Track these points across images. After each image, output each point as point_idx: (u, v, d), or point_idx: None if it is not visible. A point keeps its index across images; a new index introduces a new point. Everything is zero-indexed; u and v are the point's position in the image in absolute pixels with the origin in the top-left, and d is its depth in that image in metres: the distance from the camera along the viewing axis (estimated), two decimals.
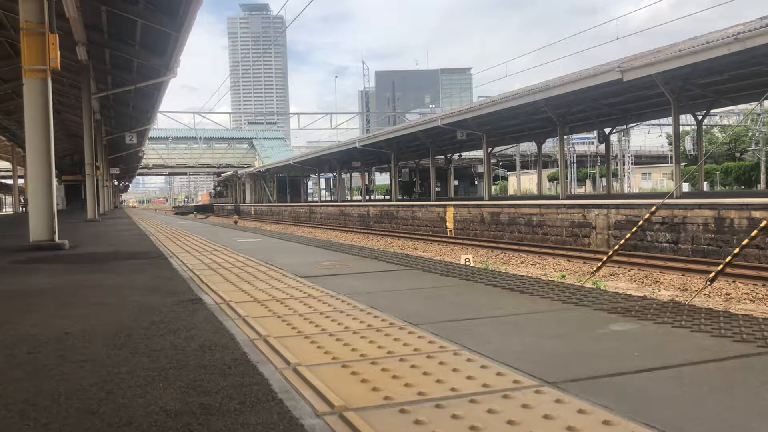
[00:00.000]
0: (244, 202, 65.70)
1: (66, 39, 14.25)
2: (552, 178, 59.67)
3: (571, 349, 2.35)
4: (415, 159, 47.23)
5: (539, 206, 17.53)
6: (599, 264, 10.18)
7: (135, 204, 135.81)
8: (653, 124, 49.23)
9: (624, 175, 49.68)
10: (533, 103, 19.73)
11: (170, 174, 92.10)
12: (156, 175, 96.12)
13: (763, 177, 43.28)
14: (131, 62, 19.26)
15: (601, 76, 16.38)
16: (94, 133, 20.01)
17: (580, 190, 57.48)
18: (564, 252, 14.79)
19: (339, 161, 45.17)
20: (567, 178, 39.94)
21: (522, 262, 14.24)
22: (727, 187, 48.37)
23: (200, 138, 70.43)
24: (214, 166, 75.96)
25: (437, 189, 39.38)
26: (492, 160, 41.80)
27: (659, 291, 9.71)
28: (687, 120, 34.09)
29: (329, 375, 2.06)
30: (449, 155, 42.77)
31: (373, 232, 25.95)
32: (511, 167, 61.53)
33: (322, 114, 56.77)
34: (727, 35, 13.17)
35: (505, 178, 71.10)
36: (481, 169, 49.60)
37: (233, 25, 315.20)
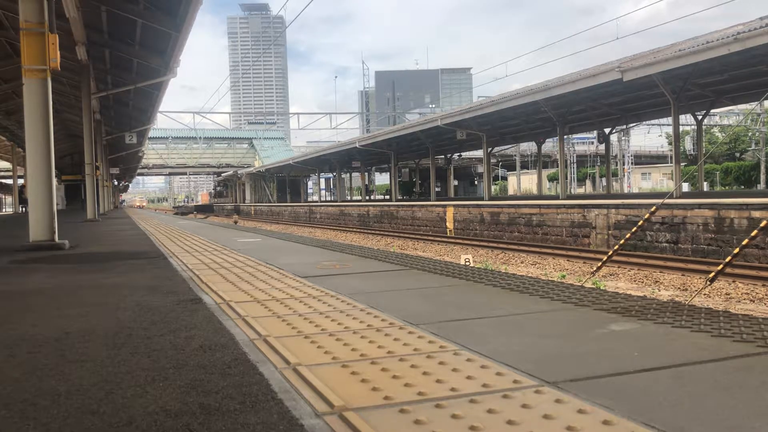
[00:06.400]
0: (244, 202, 65.71)
1: (66, 39, 14.26)
2: (552, 178, 59.67)
3: (571, 349, 2.35)
4: (415, 159, 47.23)
5: (539, 206, 17.53)
6: (599, 264, 10.18)
7: (143, 204, 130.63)
8: (653, 124, 49.26)
9: (624, 175, 49.69)
10: (533, 103, 19.74)
11: (170, 174, 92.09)
12: (156, 175, 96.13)
13: (763, 177, 43.28)
14: (131, 62, 19.27)
15: (600, 76, 16.38)
16: (94, 133, 20.00)
17: (580, 190, 57.47)
18: (564, 252, 14.79)
19: (339, 161, 45.17)
20: (567, 178, 39.94)
21: (522, 262, 14.24)
22: (727, 187, 48.37)
23: (200, 138, 70.42)
24: (214, 166, 75.96)
25: (437, 189, 39.38)
26: (492, 160, 41.78)
27: (659, 291, 9.71)
28: (687, 120, 34.09)
29: (329, 375, 2.06)
30: (449, 155, 42.77)
31: (373, 232, 25.95)
32: (511, 167, 61.54)
33: (322, 114, 56.79)
34: (727, 35, 13.17)
35: (505, 178, 71.09)
36: (481, 169, 49.61)
37: (233, 25, 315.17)
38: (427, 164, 38.79)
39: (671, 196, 13.56)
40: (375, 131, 47.30)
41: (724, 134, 54.81)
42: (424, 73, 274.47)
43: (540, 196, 31.94)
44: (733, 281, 9.82)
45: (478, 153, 44.17)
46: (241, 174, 66.76)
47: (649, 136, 63.63)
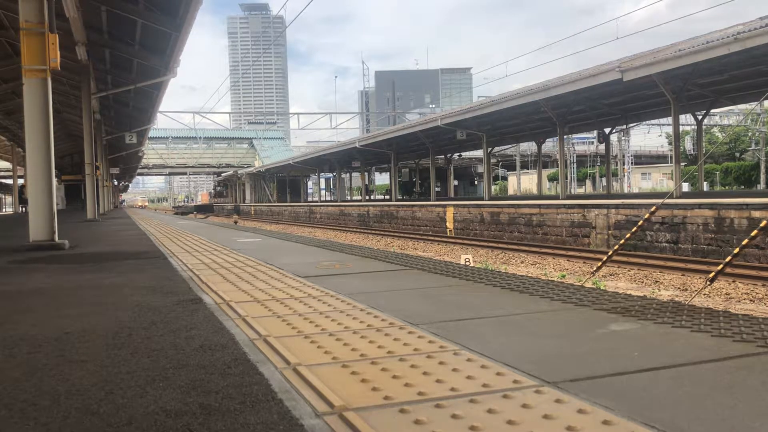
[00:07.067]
0: (244, 202, 65.71)
1: (66, 39, 14.25)
2: (552, 178, 59.68)
3: (571, 349, 2.35)
4: (415, 159, 47.23)
5: (539, 206, 17.53)
6: (599, 264, 10.18)
7: (145, 204, 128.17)
8: (653, 124, 49.24)
9: (624, 175, 49.68)
10: (533, 103, 19.73)
11: (170, 174, 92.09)
12: (156, 175, 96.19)
13: (763, 177, 43.28)
14: (131, 62, 19.27)
15: (600, 76, 16.37)
16: (94, 133, 20.00)
17: (580, 190, 57.47)
18: (564, 252, 14.79)
19: (339, 161, 45.17)
20: (567, 178, 39.94)
21: (522, 262, 14.23)
22: (727, 187, 48.37)
23: (200, 138, 70.46)
24: (214, 166, 75.98)
25: (437, 189, 39.37)
26: (492, 160, 41.80)
27: (659, 291, 9.71)
28: (687, 120, 34.09)
29: (329, 375, 2.06)
30: (449, 155, 42.76)
31: (373, 232, 25.95)
32: (511, 167, 61.55)
33: (322, 114, 56.69)
34: (727, 35, 13.16)
35: (505, 178, 71.10)
36: (481, 169, 49.62)
37: (233, 25, 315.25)
38: (427, 164, 38.79)
39: (671, 196, 13.56)
40: (375, 131, 47.30)
41: (724, 134, 54.80)
42: (424, 73, 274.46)
43: (540, 196, 31.94)
44: (733, 281, 9.82)
45: (478, 153, 44.18)
46: (241, 174, 66.76)
47: (649, 136, 63.77)
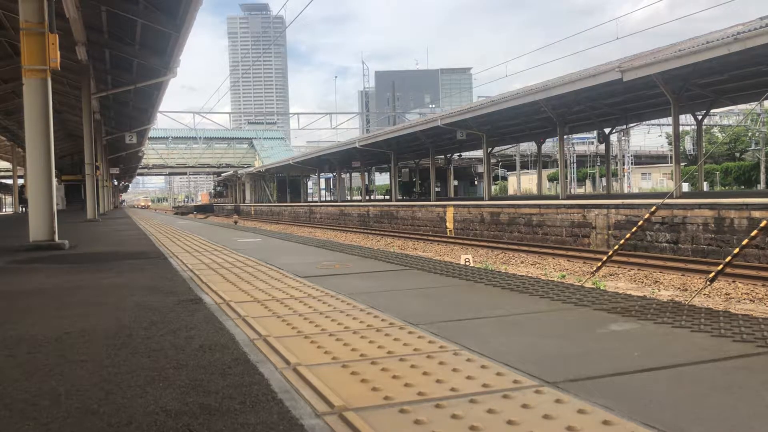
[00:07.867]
0: (244, 202, 65.71)
1: (66, 39, 14.26)
2: (552, 178, 59.67)
3: (571, 349, 2.35)
4: (415, 159, 47.21)
5: (539, 206, 17.53)
6: (599, 264, 10.18)
7: (148, 204, 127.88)
8: (653, 124, 49.23)
9: (624, 175, 49.64)
10: (533, 103, 19.73)
11: (170, 174, 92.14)
12: (156, 175, 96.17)
13: (763, 177, 43.27)
14: (131, 62, 19.27)
15: (600, 76, 16.37)
16: (94, 133, 20.00)
17: (580, 190, 57.46)
18: (564, 252, 14.79)
19: (339, 161, 45.15)
20: (567, 178, 39.91)
21: (522, 262, 14.23)
22: (727, 187, 48.36)
23: (200, 138, 70.44)
24: (214, 166, 75.98)
25: (437, 189, 39.36)
26: (492, 160, 41.77)
27: (659, 291, 9.71)
28: (687, 120, 34.09)
29: (329, 375, 2.06)
30: (449, 155, 42.75)
31: (373, 232, 25.95)
32: (511, 167, 61.56)
33: (322, 114, 56.72)
34: (727, 35, 13.16)
35: (505, 178, 71.09)
36: (481, 169, 49.59)
37: (233, 25, 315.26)
38: (427, 164, 38.79)
39: (671, 196, 13.56)
40: (375, 131, 47.27)
41: (724, 134, 54.81)
42: (424, 73, 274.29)
43: (540, 196, 31.92)
44: (733, 281, 9.82)
45: (478, 153, 44.15)
46: (241, 174, 66.76)
47: (649, 136, 63.71)
